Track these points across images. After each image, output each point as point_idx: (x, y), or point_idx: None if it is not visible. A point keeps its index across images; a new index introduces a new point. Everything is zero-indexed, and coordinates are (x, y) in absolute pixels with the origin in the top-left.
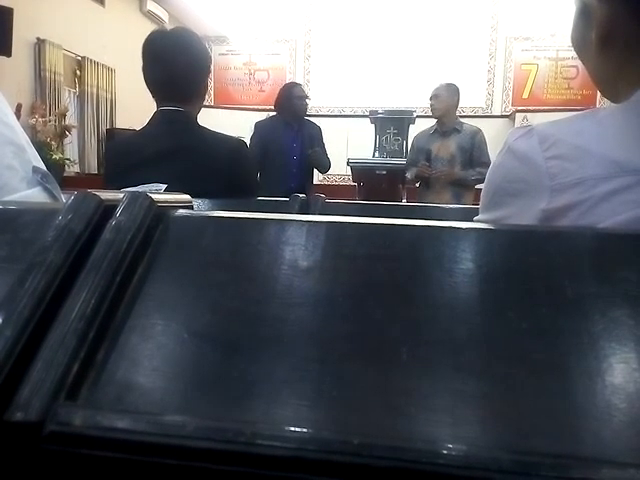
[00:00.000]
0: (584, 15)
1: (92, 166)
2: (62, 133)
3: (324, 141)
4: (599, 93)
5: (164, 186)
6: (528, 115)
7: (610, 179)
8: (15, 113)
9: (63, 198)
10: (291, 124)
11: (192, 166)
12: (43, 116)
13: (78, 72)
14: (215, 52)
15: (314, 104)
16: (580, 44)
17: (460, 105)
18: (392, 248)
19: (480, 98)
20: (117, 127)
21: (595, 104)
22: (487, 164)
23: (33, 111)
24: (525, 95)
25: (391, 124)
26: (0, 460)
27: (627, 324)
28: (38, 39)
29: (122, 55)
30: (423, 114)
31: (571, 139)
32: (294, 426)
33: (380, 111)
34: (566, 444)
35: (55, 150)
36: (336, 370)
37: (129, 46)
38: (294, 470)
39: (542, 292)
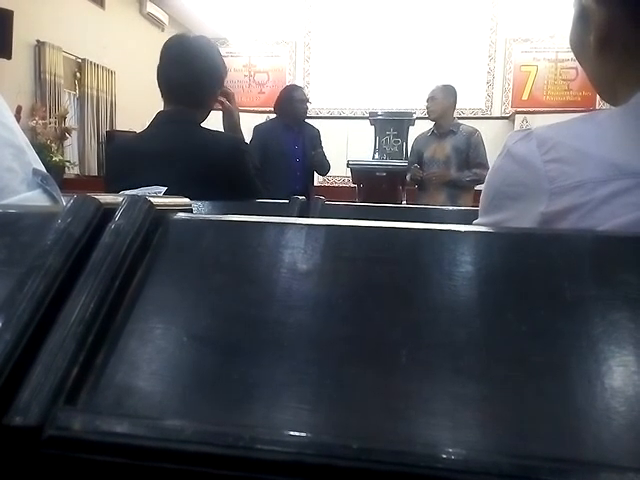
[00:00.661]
0: (582, 18)
1: (92, 168)
2: (62, 135)
3: (322, 144)
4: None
5: (164, 189)
6: (528, 117)
7: (609, 182)
8: (15, 115)
9: (63, 200)
10: (291, 127)
11: (193, 166)
12: (43, 118)
13: (78, 74)
14: None
15: (314, 106)
16: (578, 47)
17: (459, 107)
18: (391, 251)
19: (480, 100)
20: (117, 129)
21: (594, 106)
22: (483, 165)
23: (33, 113)
24: (525, 97)
25: (391, 126)
26: None
27: (627, 327)
28: (38, 41)
29: (122, 57)
30: (423, 116)
31: (570, 142)
32: (294, 430)
33: (380, 113)
34: (566, 448)
35: (55, 152)
36: (336, 373)
37: (129, 48)
38: (294, 475)
39: (542, 295)
